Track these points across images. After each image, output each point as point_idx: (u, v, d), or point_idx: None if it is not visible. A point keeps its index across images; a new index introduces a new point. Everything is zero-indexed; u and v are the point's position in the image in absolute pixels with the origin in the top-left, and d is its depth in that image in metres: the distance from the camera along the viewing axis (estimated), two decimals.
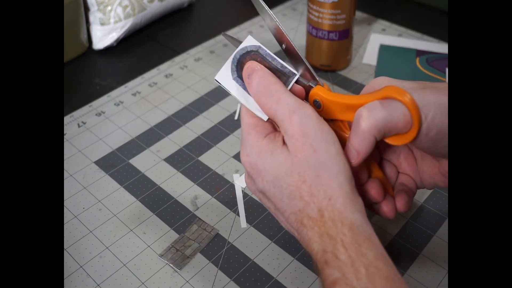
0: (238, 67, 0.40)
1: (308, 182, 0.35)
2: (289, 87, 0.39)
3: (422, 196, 0.53)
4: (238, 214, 0.51)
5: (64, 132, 0.62)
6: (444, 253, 0.47)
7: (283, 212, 0.37)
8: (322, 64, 0.71)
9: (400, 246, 0.48)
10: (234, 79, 0.40)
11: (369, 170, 0.41)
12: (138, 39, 0.81)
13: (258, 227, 0.50)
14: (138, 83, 0.70)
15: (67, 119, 0.64)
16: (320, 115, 0.38)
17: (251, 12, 0.86)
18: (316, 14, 0.67)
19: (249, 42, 0.40)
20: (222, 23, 0.85)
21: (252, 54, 0.40)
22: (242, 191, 0.54)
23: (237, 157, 0.58)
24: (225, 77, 0.40)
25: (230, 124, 0.63)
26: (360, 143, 0.36)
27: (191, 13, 0.89)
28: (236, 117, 0.64)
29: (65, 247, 0.49)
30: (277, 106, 0.37)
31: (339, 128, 0.40)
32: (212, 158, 0.58)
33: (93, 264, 0.47)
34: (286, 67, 0.40)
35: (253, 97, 0.39)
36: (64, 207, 0.53)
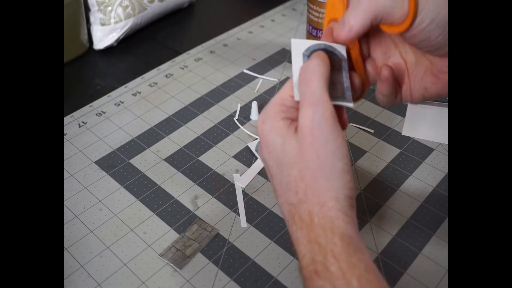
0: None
1: (306, 181, 0.34)
2: (346, 71, 0.39)
3: (422, 196, 0.53)
4: (238, 214, 0.52)
5: (65, 132, 0.62)
6: (444, 252, 0.47)
7: (279, 195, 0.37)
8: None
9: (400, 246, 0.48)
10: (303, 53, 0.38)
11: (352, 62, 0.41)
12: (139, 39, 0.81)
13: (258, 227, 0.50)
14: (139, 83, 0.70)
15: (67, 119, 0.64)
16: None
17: (251, 12, 0.87)
18: (316, 14, 0.67)
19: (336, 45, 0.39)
20: (222, 23, 0.85)
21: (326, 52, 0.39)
22: (242, 191, 0.54)
23: (237, 157, 0.58)
24: (299, 47, 0.39)
25: (230, 124, 0.63)
26: (357, 21, 0.36)
27: (191, 13, 0.89)
28: (236, 117, 0.64)
29: (66, 246, 0.49)
30: (306, 88, 0.35)
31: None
32: (212, 158, 0.58)
33: (94, 263, 0.47)
34: (337, 52, 0.39)
35: (300, 70, 0.37)
36: (65, 207, 0.53)
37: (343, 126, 0.38)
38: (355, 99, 0.40)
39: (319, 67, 0.36)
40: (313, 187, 0.34)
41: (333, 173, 0.34)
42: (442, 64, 0.39)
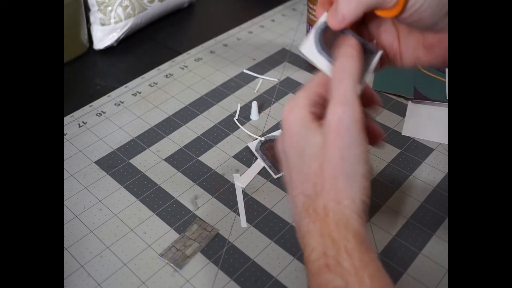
0: (322, 40, 0.39)
1: (325, 176, 0.34)
2: (373, 66, 0.38)
3: (422, 195, 0.53)
4: (238, 214, 0.52)
5: (65, 132, 0.62)
6: (444, 252, 0.47)
7: (296, 187, 0.36)
8: None
9: (400, 246, 0.48)
10: (319, 51, 0.39)
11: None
12: (139, 39, 0.81)
13: (258, 226, 0.50)
14: (139, 83, 0.70)
15: (67, 119, 0.64)
16: None
17: (251, 12, 0.87)
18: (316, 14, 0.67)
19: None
20: (222, 23, 0.85)
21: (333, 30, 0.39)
22: (242, 191, 0.54)
23: (237, 157, 0.58)
24: (310, 49, 0.39)
25: (230, 124, 0.63)
26: (349, 9, 0.36)
27: (191, 13, 0.89)
28: (236, 117, 0.64)
29: (66, 246, 0.49)
30: (339, 85, 0.35)
31: None
32: (212, 158, 0.58)
33: (94, 263, 0.47)
34: (369, 44, 0.39)
35: (335, 59, 0.37)
36: (65, 207, 0.53)
37: (374, 140, 0.39)
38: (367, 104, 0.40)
39: (352, 65, 0.36)
40: (332, 183, 0.34)
41: (353, 175, 0.34)
42: (434, 38, 0.39)
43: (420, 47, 0.40)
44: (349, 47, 0.37)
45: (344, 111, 0.34)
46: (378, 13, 0.37)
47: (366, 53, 0.38)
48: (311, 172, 0.35)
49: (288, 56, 0.75)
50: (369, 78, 0.37)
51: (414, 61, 0.41)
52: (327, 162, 0.34)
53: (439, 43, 0.39)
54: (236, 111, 0.65)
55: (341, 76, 0.35)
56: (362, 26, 0.42)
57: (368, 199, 0.35)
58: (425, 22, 0.37)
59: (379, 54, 0.38)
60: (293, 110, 0.37)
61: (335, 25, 0.37)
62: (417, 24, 0.37)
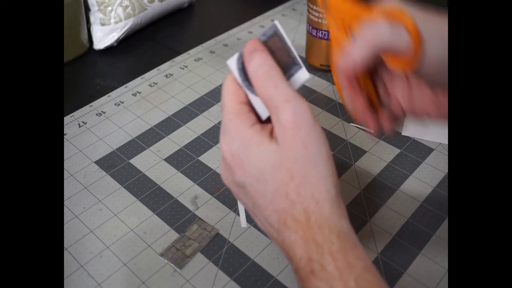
0: (243, 71, 0.37)
1: (296, 180, 0.33)
2: (298, 86, 0.38)
3: (422, 195, 0.53)
4: (238, 214, 0.52)
5: (65, 132, 0.62)
6: (444, 252, 0.47)
7: (264, 209, 0.35)
8: (322, 64, 0.71)
9: (400, 246, 0.48)
10: (238, 69, 0.37)
11: (361, 83, 0.41)
12: (139, 39, 0.81)
13: (258, 226, 0.50)
14: (139, 83, 0.70)
15: (67, 119, 0.64)
16: (326, 17, 0.38)
17: (251, 12, 0.87)
18: (316, 14, 0.67)
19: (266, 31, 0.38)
20: (222, 23, 0.85)
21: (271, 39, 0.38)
22: None
23: None
24: (234, 63, 0.38)
25: None
26: (359, 52, 0.36)
27: (191, 13, 0.89)
28: None
29: (65, 246, 0.49)
30: (275, 90, 0.34)
31: (340, 30, 0.40)
32: (212, 158, 0.58)
33: (94, 263, 0.47)
34: (298, 60, 0.38)
35: (251, 77, 0.36)
36: (65, 207, 0.53)
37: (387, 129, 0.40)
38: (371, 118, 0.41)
39: (272, 67, 0.35)
40: (305, 182, 0.33)
41: (321, 159, 0.34)
42: (444, 96, 0.40)
43: (431, 103, 0.41)
44: (259, 46, 0.36)
45: (293, 105, 0.34)
46: (389, 63, 0.37)
47: (289, 61, 0.37)
48: (278, 185, 0.34)
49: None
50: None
51: (425, 115, 0.42)
52: (292, 163, 0.33)
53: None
54: None
55: (271, 80, 0.35)
56: (375, 75, 0.42)
57: (337, 178, 0.35)
58: (438, 82, 0.37)
59: (303, 70, 0.38)
60: (232, 140, 0.36)
61: (345, 70, 0.37)
62: (428, 80, 0.38)
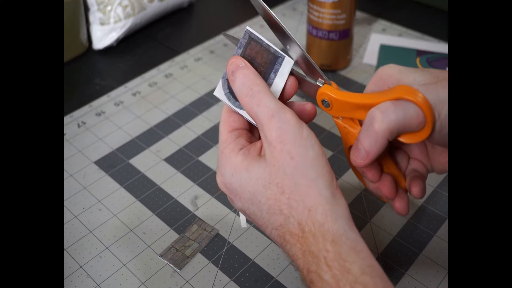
0: (228, 84, 0.40)
1: (287, 193, 0.34)
2: (286, 74, 0.39)
3: None
4: (238, 214, 0.51)
5: (64, 132, 0.62)
6: (444, 253, 0.47)
7: (265, 229, 0.36)
8: (322, 64, 0.71)
9: (400, 246, 0.48)
10: (226, 94, 0.40)
11: (381, 164, 0.41)
12: (138, 39, 0.81)
13: (258, 227, 0.50)
14: (138, 83, 0.70)
15: (67, 119, 0.64)
16: (330, 113, 0.39)
17: (251, 12, 0.86)
18: (316, 14, 0.67)
19: (243, 38, 0.40)
20: (222, 23, 0.85)
21: (250, 45, 0.39)
22: None
23: None
24: (220, 93, 0.41)
25: None
26: (371, 145, 0.36)
27: (191, 13, 0.89)
28: None
29: (65, 247, 0.49)
30: (258, 108, 0.36)
31: (348, 124, 0.40)
32: (212, 158, 0.58)
33: (93, 264, 0.47)
34: (280, 53, 0.39)
35: (237, 96, 0.38)
36: (64, 207, 0.52)
37: (310, 115, 0.40)
38: (397, 198, 0.42)
39: (250, 80, 0.37)
40: (295, 193, 0.34)
41: (308, 164, 0.34)
42: None
43: (447, 161, 0.41)
44: (240, 62, 0.38)
45: (277, 120, 0.35)
46: (402, 139, 0.37)
47: (270, 57, 0.39)
48: (271, 202, 0.35)
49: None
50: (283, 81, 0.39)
51: (443, 172, 0.43)
52: (281, 177, 0.34)
53: None
54: None
55: (254, 99, 0.36)
56: (392, 147, 0.43)
57: (332, 174, 0.35)
58: (445, 140, 0.37)
59: (286, 59, 0.39)
60: (224, 173, 0.37)
61: (360, 164, 0.37)
62: (443, 144, 0.38)
